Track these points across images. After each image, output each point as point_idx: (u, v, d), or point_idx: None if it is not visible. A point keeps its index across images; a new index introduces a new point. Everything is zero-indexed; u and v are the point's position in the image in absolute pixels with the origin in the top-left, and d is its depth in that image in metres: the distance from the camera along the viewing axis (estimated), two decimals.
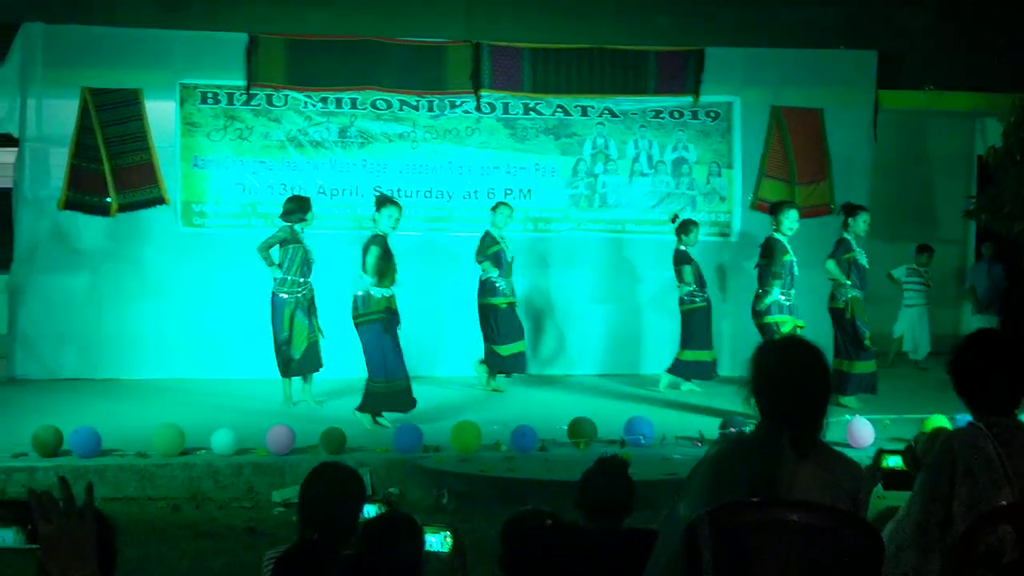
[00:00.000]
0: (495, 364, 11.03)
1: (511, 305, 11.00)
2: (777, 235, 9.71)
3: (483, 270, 10.92)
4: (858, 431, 8.22)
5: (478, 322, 11.05)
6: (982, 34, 12.89)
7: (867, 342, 10.05)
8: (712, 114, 12.45)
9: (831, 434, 3.28)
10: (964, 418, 8.29)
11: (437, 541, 3.51)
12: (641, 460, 7.38)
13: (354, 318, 9.09)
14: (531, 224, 12.25)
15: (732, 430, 8.35)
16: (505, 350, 10.96)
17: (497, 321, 10.93)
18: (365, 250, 9.07)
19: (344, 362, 10.50)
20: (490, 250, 10.87)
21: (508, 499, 7.27)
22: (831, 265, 10.08)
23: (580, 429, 8.41)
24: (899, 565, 3.08)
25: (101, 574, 2.00)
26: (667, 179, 12.45)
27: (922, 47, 12.95)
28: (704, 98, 12.32)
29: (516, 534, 3.35)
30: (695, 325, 10.98)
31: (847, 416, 8.48)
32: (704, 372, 11.00)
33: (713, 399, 10.35)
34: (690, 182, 12.48)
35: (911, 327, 12.88)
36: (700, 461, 3.31)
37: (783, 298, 9.58)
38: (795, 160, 12.49)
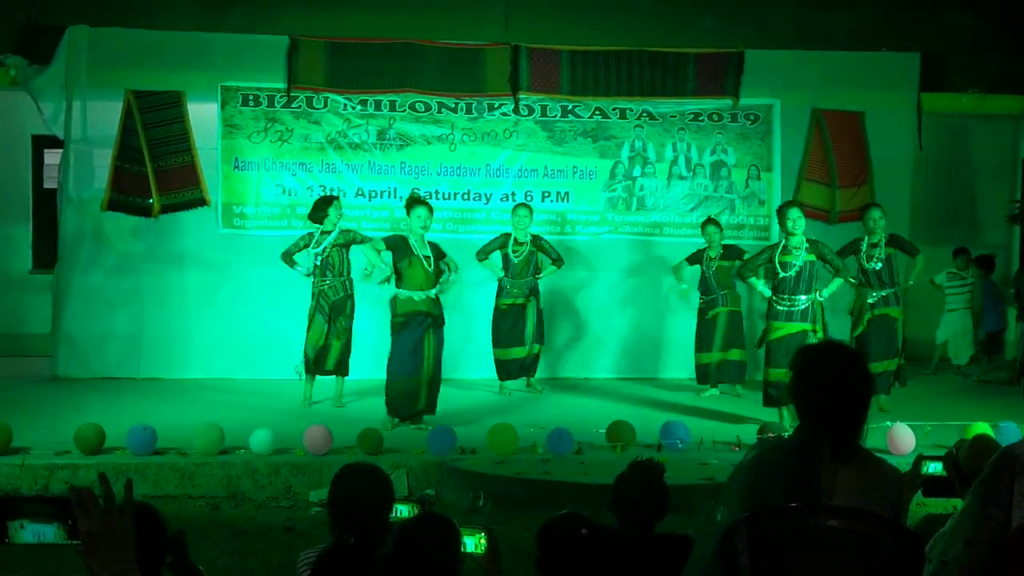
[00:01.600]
0: (496, 368, 11.04)
1: (513, 308, 10.91)
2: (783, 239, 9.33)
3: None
4: (899, 437, 8.14)
5: None
6: None
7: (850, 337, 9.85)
8: (752, 117, 12.38)
9: (871, 440, 3.26)
10: (1008, 425, 8.26)
11: (471, 543, 3.52)
12: (678, 464, 7.38)
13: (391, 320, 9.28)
14: (568, 227, 12.24)
15: (771, 435, 8.31)
16: (497, 354, 10.96)
17: (495, 323, 10.96)
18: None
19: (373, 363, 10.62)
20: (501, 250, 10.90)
21: (544, 502, 7.26)
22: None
23: (619, 432, 8.39)
24: None
25: (147, 569, 2.02)
26: (705, 182, 12.39)
27: (965, 49, 12.81)
28: (744, 100, 12.24)
29: (552, 538, 3.35)
30: (696, 327, 11.11)
31: (887, 423, 8.40)
32: (701, 375, 11.06)
33: (751, 406, 10.28)
34: (729, 185, 12.41)
35: (953, 332, 12.73)
36: (738, 466, 3.29)
37: (789, 305, 9.07)
38: (836, 163, 12.37)
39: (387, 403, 9.18)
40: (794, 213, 9.10)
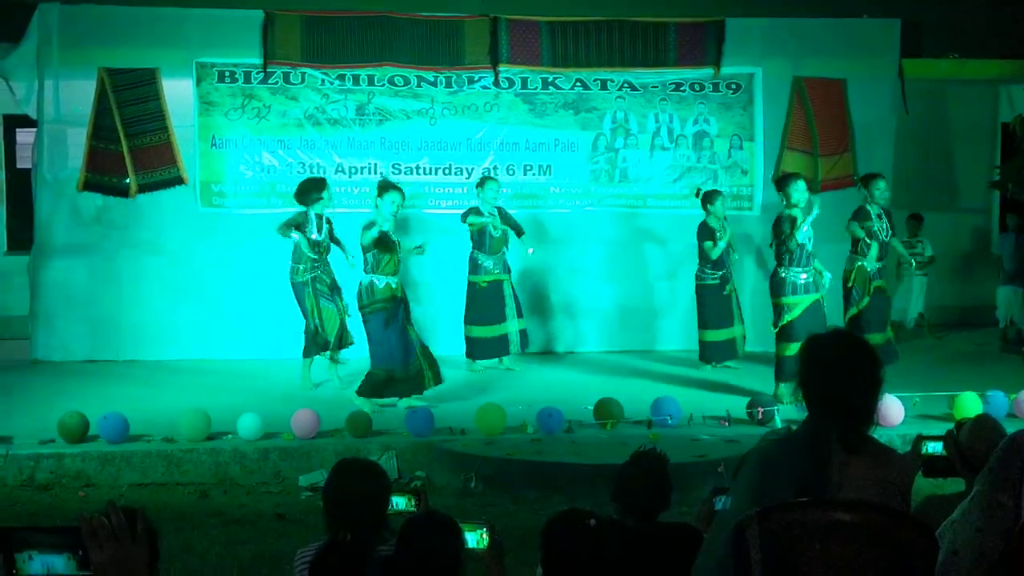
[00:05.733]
0: (468, 348, 10.84)
1: (492, 284, 10.75)
2: (789, 212, 9.29)
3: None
4: (887, 409, 8.13)
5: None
6: (1006, 0, 12.70)
7: (850, 311, 9.71)
8: (733, 86, 12.30)
9: None
10: (995, 395, 8.29)
11: (473, 538, 3.48)
12: (669, 441, 7.33)
13: (359, 307, 9.08)
14: (552, 200, 12.15)
15: (760, 410, 8.32)
16: (475, 332, 10.79)
17: (473, 300, 10.76)
18: (362, 236, 8.99)
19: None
20: (474, 224, 10.66)
21: (537, 483, 7.28)
22: (854, 227, 9.80)
23: (607, 410, 8.35)
24: (952, 568, 3.00)
25: None
26: (688, 153, 12.31)
27: (945, 14, 12.76)
28: (725, 70, 12.14)
29: (557, 534, 3.29)
30: (708, 303, 10.87)
31: None
32: (723, 352, 10.89)
33: (738, 377, 10.29)
34: (711, 156, 12.33)
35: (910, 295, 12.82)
36: (746, 457, 3.26)
37: (804, 276, 9.20)
38: (817, 131, 12.31)
39: (375, 390, 8.97)
40: (801, 185, 9.11)
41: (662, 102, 12.21)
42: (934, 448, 4.17)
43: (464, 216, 10.70)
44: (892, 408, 8.16)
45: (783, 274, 9.18)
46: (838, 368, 3.16)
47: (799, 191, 9.15)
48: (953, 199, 13.86)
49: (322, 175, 11.61)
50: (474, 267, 10.77)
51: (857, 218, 9.88)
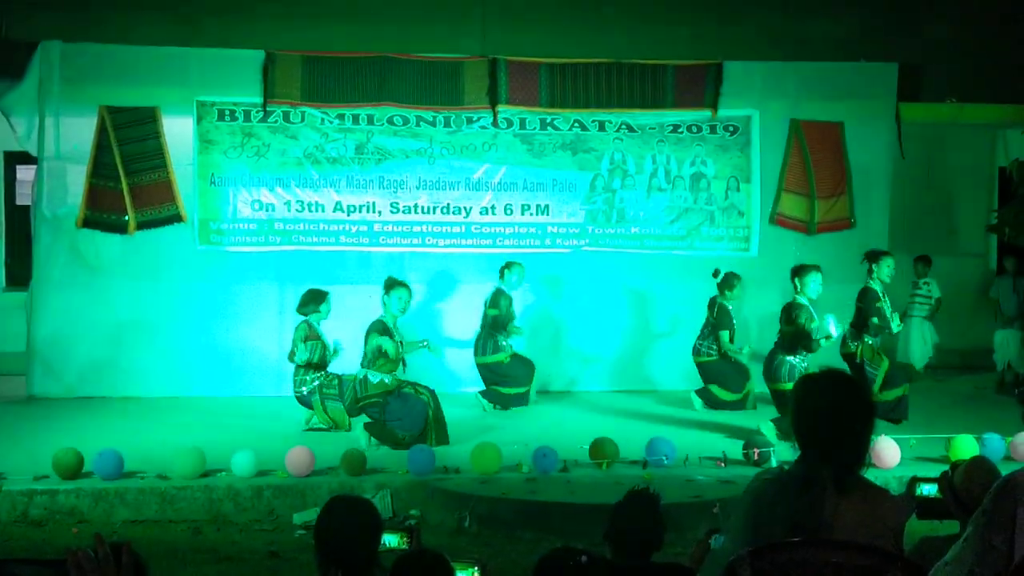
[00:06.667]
0: (499, 400, 10.91)
1: (515, 354, 10.98)
2: (800, 298, 9.33)
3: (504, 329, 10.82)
4: (883, 451, 8.12)
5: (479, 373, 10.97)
6: (1004, 45, 12.81)
7: (875, 385, 9.46)
8: (731, 128, 12.37)
9: None
10: (991, 437, 8.25)
11: None
12: (664, 481, 7.34)
13: (354, 400, 9.21)
14: (549, 240, 12.18)
15: (756, 451, 8.30)
16: (511, 390, 10.90)
17: (507, 371, 10.87)
18: (367, 337, 9.08)
19: None
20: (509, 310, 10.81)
21: (531, 522, 7.24)
22: (871, 320, 9.56)
23: (602, 449, 8.31)
24: None
25: None
26: (685, 194, 12.36)
27: (943, 59, 12.87)
28: (723, 112, 12.22)
29: (551, 574, 3.28)
30: (718, 373, 10.90)
31: (873, 436, 8.36)
32: (738, 406, 10.83)
33: (733, 417, 10.27)
34: (708, 197, 12.38)
35: (915, 338, 12.80)
36: (740, 497, 3.26)
37: (803, 362, 9.19)
38: (814, 174, 12.38)
39: (382, 435, 9.02)
40: (819, 279, 9.08)
41: (659, 143, 12.28)
42: (929, 490, 4.16)
43: (496, 302, 10.75)
44: (888, 450, 8.14)
45: (791, 360, 9.10)
46: (831, 409, 3.16)
47: (815, 285, 9.12)
48: (951, 243, 13.89)
49: (320, 213, 11.71)
50: (495, 347, 10.83)
51: (867, 303, 9.64)
